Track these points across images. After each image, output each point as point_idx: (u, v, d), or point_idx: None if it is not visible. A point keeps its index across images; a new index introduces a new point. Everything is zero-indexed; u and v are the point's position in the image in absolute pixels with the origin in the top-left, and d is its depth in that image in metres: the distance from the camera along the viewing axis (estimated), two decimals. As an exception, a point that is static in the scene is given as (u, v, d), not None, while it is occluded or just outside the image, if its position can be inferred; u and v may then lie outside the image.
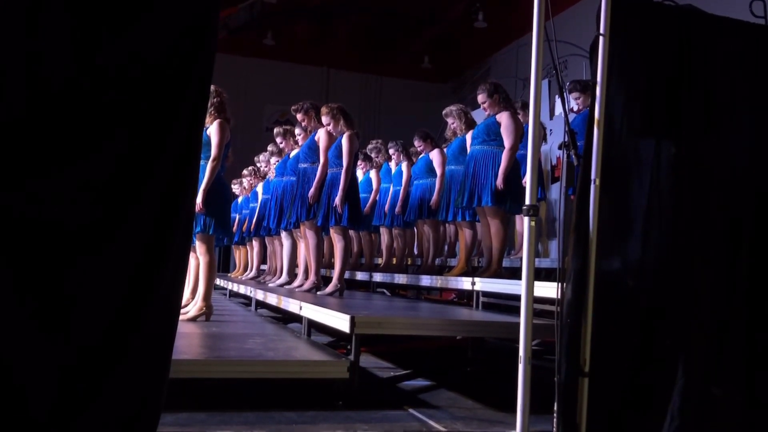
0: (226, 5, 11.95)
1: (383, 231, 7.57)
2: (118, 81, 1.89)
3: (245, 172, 9.26)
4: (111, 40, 1.89)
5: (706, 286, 2.73)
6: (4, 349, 1.76)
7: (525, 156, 5.81)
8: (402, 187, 7.07)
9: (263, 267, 8.98)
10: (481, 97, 5.37)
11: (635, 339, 2.60)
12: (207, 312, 4.86)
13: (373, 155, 7.84)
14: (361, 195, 6.58)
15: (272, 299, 5.67)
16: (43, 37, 1.83)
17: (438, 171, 6.52)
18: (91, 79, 1.87)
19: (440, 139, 7.16)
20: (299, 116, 6.16)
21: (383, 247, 7.63)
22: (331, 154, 5.71)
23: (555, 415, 2.44)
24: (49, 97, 1.83)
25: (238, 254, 10.59)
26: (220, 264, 12.79)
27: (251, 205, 9.00)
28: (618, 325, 2.57)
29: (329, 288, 5.73)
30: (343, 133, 5.61)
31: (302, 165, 6.04)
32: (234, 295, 8.84)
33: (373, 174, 7.71)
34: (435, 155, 6.65)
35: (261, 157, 8.59)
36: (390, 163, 7.56)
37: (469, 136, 5.65)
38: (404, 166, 7.15)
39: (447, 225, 6.96)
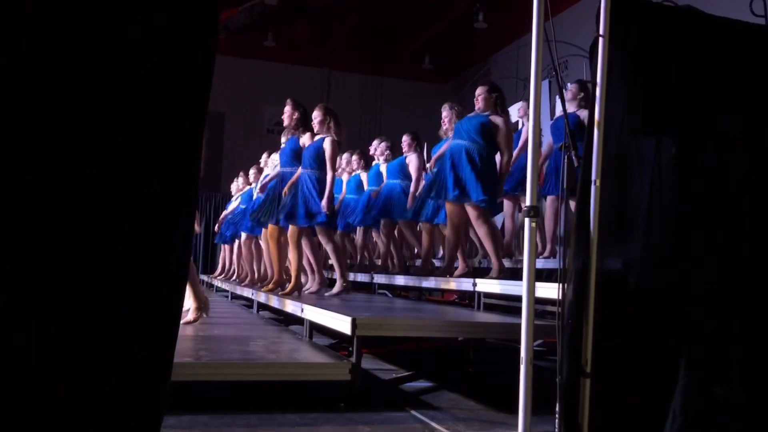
0: (226, 7, 11.95)
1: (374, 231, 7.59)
2: (116, 86, 1.89)
3: (253, 170, 9.16)
4: (108, 45, 1.89)
5: (708, 286, 2.73)
6: None
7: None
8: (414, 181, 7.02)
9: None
10: (480, 89, 5.32)
11: (637, 339, 2.60)
12: (200, 306, 4.69)
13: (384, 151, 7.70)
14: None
15: (274, 301, 5.67)
16: (37, 41, 1.83)
17: (414, 175, 6.48)
18: (90, 84, 1.87)
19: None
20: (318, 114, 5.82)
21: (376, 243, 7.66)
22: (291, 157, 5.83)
23: (557, 415, 2.44)
24: (49, 99, 1.83)
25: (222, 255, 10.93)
26: (207, 265, 13.01)
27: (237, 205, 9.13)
28: (619, 325, 2.57)
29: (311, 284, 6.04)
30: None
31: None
32: (236, 297, 8.84)
33: (362, 176, 7.74)
34: (413, 159, 6.61)
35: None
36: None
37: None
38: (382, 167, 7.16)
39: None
